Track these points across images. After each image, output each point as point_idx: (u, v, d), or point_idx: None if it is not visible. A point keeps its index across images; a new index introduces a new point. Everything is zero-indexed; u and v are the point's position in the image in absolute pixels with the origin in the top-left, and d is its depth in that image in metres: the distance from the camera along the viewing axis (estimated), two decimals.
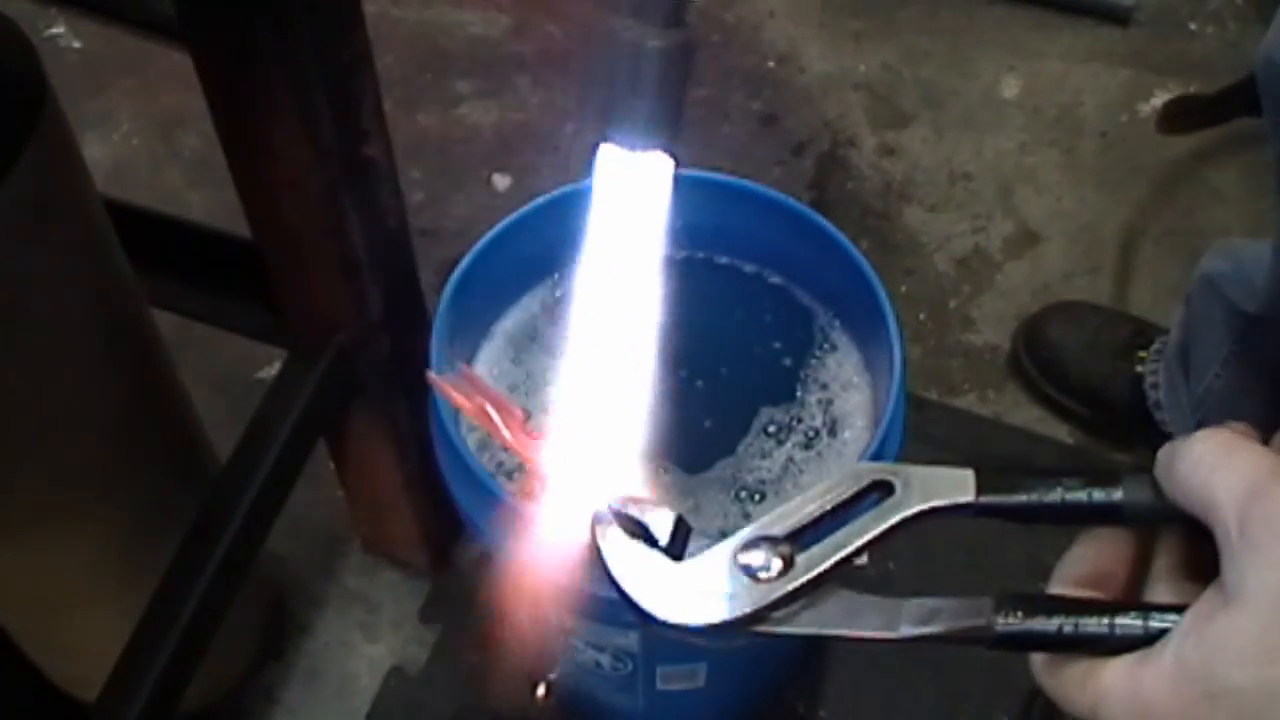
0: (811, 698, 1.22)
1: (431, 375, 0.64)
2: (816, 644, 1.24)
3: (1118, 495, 0.43)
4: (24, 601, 0.99)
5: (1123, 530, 0.45)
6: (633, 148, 0.62)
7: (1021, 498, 0.44)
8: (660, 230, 0.65)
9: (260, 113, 0.81)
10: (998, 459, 1.38)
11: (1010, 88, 1.74)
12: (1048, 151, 1.67)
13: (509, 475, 0.93)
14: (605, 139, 0.62)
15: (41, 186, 0.73)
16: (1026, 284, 1.54)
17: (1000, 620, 0.43)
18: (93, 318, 0.84)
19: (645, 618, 0.45)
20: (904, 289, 1.53)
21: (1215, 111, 1.52)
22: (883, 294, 0.90)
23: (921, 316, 1.51)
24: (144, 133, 1.70)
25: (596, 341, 0.67)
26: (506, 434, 0.58)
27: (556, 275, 1.03)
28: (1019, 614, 0.43)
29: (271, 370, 1.32)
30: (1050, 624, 0.42)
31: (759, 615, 0.44)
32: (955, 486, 0.45)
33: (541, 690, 1.15)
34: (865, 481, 0.45)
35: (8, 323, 0.75)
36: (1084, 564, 0.46)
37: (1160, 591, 0.44)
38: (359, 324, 0.98)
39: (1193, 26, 1.81)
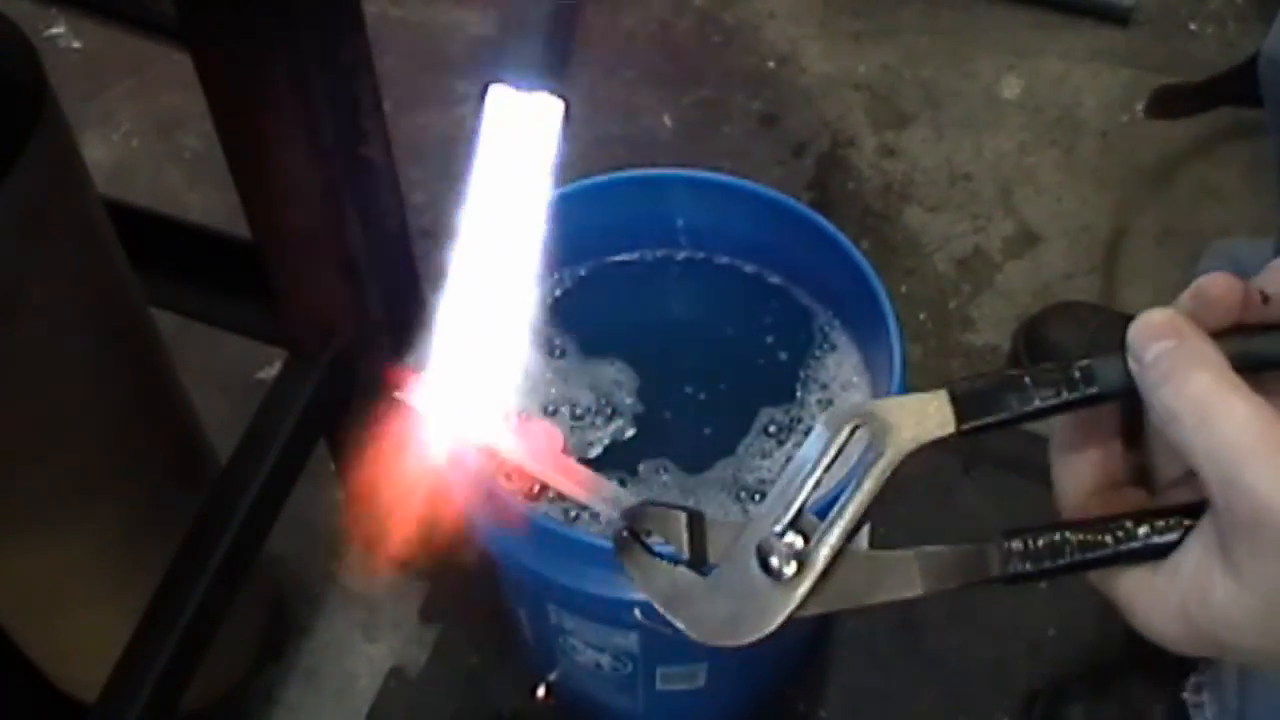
0: (812, 697, 1.22)
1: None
2: (820, 639, 1.24)
3: (1093, 389, 0.44)
4: (24, 601, 0.99)
5: (1108, 408, 0.46)
6: (523, 88, 0.64)
7: (1001, 415, 0.45)
8: (548, 171, 0.67)
9: (260, 113, 0.81)
10: (997, 458, 1.38)
11: (1010, 88, 1.74)
12: (1048, 151, 1.67)
13: (509, 475, 0.93)
14: (496, 79, 0.64)
15: (41, 186, 0.73)
16: (1026, 284, 1.54)
17: (1009, 566, 0.44)
18: (93, 318, 0.84)
19: (698, 643, 0.46)
20: (904, 289, 1.53)
21: (1203, 98, 1.52)
22: (883, 294, 0.90)
23: (921, 316, 1.51)
24: (144, 133, 1.70)
25: (480, 277, 0.69)
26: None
27: (556, 275, 1.03)
28: (1026, 556, 0.44)
29: (271, 370, 1.32)
30: (1056, 561, 0.44)
31: (794, 613, 0.45)
32: (936, 419, 0.45)
33: (541, 690, 1.15)
34: (846, 431, 0.46)
35: (8, 323, 0.75)
36: (1078, 486, 0.47)
37: (1163, 460, 0.46)
38: (359, 324, 0.98)
39: (1193, 26, 1.81)
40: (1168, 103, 1.55)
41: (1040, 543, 0.44)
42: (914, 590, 0.45)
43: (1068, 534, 0.44)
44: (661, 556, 0.47)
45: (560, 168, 0.68)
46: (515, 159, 0.66)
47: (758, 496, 0.91)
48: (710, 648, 0.45)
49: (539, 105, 0.64)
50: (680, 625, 0.46)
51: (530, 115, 0.64)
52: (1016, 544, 0.44)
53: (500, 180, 0.67)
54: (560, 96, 0.64)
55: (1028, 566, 0.44)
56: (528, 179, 0.67)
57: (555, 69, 0.63)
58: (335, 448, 1.17)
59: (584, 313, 1.01)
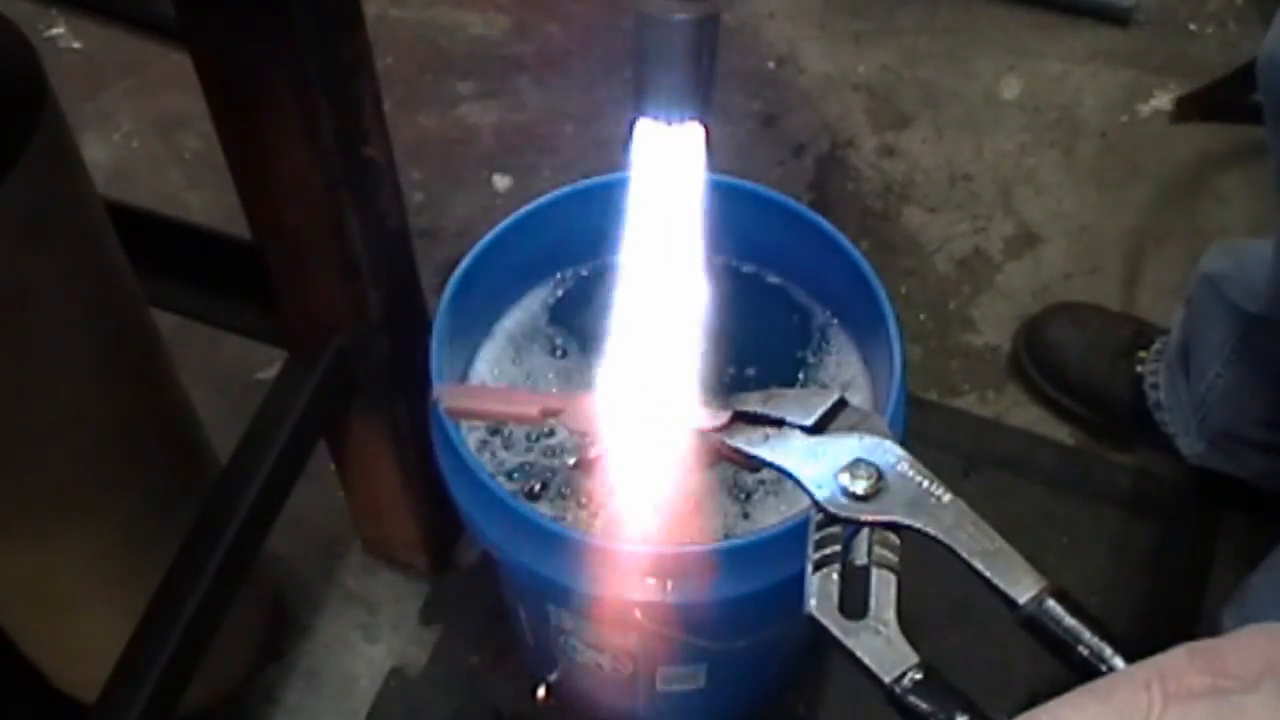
0: (812, 699, 1.22)
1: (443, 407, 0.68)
2: (821, 641, 1.24)
3: None
4: (24, 601, 0.99)
5: None
6: (667, 120, 0.65)
7: None
8: (700, 198, 0.70)
9: (260, 113, 0.81)
10: (997, 458, 1.38)
11: (1010, 88, 1.74)
12: (1048, 152, 1.67)
13: (509, 475, 0.93)
14: (639, 113, 0.65)
15: (41, 187, 0.73)
16: (1026, 284, 1.54)
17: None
18: (93, 318, 0.84)
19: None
20: (904, 289, 1.53)
21: (1225, 93, 1.53)
22: (883, 294, 0.90)
23: (921, 317, 1.51)
24: (144, 133, 1.70)
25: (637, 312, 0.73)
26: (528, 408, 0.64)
27: (557, 275, 1.03)
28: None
29: (271, 370, 1.32)
30: None
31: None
32: None
33: (541, 690, 1.15)
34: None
35: (8, 323, 0.75)
36: None
37: None
38: (359, 325, 0.98)
39: (1193, 27, 1.81)
40: (1190, 104, 1.56)
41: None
42: None
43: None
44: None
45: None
46: (666, 187, 0.68)
47: (757, 497, 0.91)
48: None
49: (684, 135, 0.66)
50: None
51: (677, 145, 0.66)
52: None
53: (653, 208, 0.70)
54: (702, 123, 0.65)
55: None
56: (679, 204, 0.70)
57: (698, 98, 0.65)
58: (335, 448, 1.17)
59: (585, 313, 1.01)
